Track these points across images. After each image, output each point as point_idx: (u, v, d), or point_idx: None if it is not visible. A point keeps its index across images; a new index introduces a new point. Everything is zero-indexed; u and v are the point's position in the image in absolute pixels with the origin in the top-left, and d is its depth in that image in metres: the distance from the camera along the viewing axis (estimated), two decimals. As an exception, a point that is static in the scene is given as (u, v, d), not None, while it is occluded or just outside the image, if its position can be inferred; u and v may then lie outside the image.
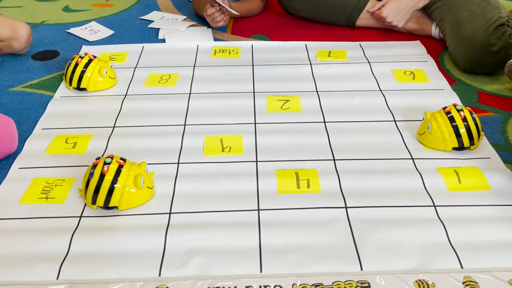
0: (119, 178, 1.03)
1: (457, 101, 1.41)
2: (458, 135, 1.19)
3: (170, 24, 1.89)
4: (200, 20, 1.93)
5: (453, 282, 0.89)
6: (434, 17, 1.73)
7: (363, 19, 1.82)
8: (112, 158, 1.05)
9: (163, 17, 1.96)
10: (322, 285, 0.89)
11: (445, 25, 1.65)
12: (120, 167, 1.04)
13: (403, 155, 1.20)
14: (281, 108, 1.38)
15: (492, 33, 1.49)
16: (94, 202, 1.04)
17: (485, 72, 1.54)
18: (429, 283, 0.89)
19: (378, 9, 1.77)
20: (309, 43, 1.73)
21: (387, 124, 1.31)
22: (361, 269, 0.92)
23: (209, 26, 1.86)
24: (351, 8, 1.81)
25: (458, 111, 1.20)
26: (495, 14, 1.53)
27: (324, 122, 1.32)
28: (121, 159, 1.06)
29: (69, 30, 1.86)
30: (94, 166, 1.05)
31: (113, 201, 1.03)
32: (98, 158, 1.07)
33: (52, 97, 1.45)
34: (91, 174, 1.04)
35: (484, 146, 1.23)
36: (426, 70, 1.56)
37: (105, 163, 1.04)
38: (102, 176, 1.02)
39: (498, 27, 1.50)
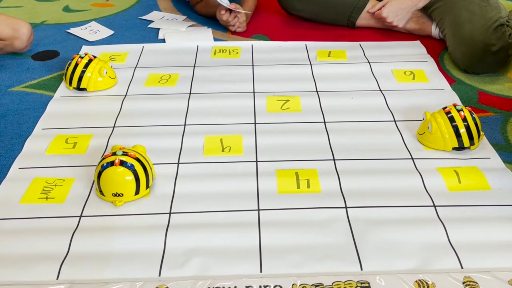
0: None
1: (457, 101, 1.41)
2: (458, 135, 1.19)
3: (170, 24, 1.89)
4: (200, 20, 1.93)
5: (453, 282, 0.89)
6: (434, 17, 1.73)
7: (363, 19, 1.81)
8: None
9: (163, 17, 1.96)
10: (322, 285, 0.89)
11: (445, 25, 1.65)
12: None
13: (403, 155, 1.20)
14: (281, 108, 1.38)
15: (492, 33, 1.49)
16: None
17: (485, 72, 1.54)
18: (429, 283, 0.89)
19: (378, 10, 1.77)
20: (309, 43, 1.72)
21: (387, 124, 1.31)
22: (361, 269, 0.92)
23: (209, 26, 1.86)
24: (351, 8, 1.80)
25: (458, 111, 1.20)
26: (495, 14, 1.53)
27: (324, 122, 1.32)
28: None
29: (69, 30, 1.86)
30: None
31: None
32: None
33: (52, 97, 1.45)
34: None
35: (484, 146, 1.23)
36: (426, 70, 1.56)
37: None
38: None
39: (498, 27, 1.50)
